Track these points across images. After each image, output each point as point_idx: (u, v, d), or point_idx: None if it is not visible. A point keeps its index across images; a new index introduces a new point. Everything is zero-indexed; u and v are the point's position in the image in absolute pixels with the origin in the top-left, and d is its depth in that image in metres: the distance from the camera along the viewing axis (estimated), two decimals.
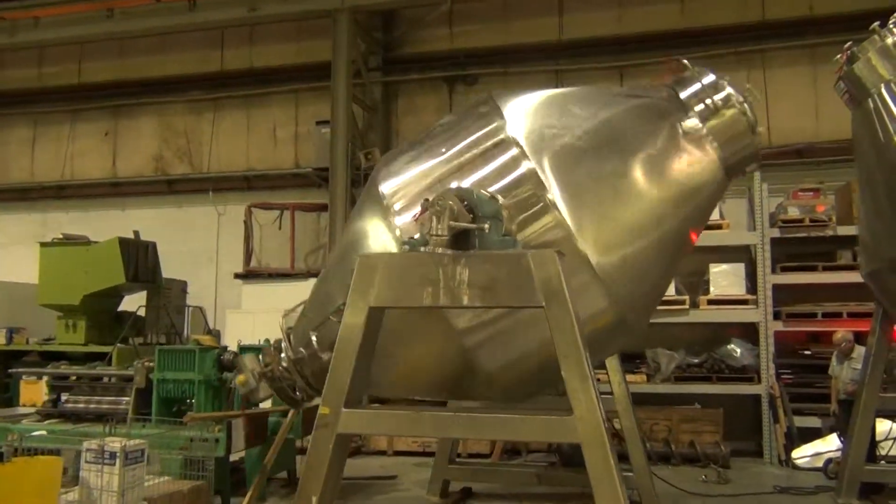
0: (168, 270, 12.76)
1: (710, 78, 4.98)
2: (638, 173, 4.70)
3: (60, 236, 12.44)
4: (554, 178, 4.57)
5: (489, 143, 4.77)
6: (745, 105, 4.92)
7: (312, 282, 11.93)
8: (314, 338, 5.18)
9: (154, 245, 12.20)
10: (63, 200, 14.98)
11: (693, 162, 4.85)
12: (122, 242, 11.63)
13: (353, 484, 8.53)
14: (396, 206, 4.82)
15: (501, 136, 4.72)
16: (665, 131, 4.81)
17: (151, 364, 7.08)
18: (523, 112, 4.85)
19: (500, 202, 4.56)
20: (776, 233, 10.41)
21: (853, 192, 10.56)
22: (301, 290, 11.82)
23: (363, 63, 12.86)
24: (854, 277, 10.26)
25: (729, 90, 4.94)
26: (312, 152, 13.13)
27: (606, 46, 12.47)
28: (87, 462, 5.25)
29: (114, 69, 14.83)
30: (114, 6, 12.85)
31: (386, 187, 5.01)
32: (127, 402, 7.34)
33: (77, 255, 11.71)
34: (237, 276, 12.52)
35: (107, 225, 13.36)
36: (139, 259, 12.04)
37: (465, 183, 4.67)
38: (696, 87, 4.92)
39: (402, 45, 13.56)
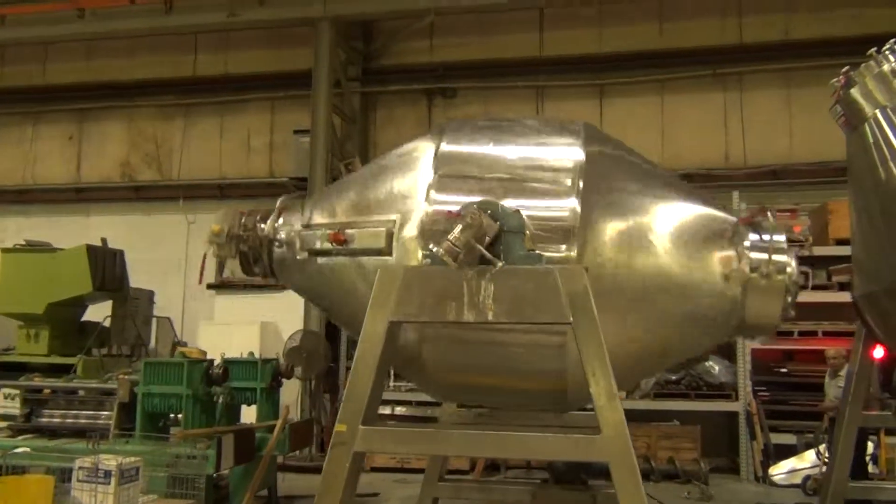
0: (134, 280, 12.37)
1: (781, 238, 4.90)
2: (667, 281, 4.49)
3: (23, 242, 11.96)
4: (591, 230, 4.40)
5: (556, 177, 4.51)
6: (794, 285, 4.85)
7: (287, 294, 11.82)
8: (300, 231, 4.85)
9: (122, 253, 11.80)
10: (24, 205, 14.44)
11: (717, 305, 4.70)
12: (90, 250, 11.21)
13: None
14: (442, 175, 4.54)
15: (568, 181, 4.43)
16: (712, 261, 4.64)
17: (136, 377, 6.80)
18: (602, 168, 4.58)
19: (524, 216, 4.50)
20: None
21: (828, 213, 10.84)
22: (277, 303, 11.76)
23: (342, 73, 12.72)
24: (828, 297, 10.55)
25: (791, 262, 4.84)
26: (288, 161, 12.92)
27: (586, 64, 12.57)
28: (79, 481, 5.00)
29: (80, 71, 14.39)
30: (85, 6, 12.45)
31: (443, 147, 4.67)
32: (106, 416, 7.03)
33: (41, 263, 11.24)
34: (210, 286, 12.19)
35: (70, 231, 12.94)
36: (106, 267, 11.63)
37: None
38: (766, 238, 4.82)
39: (382, 56, 13.47)
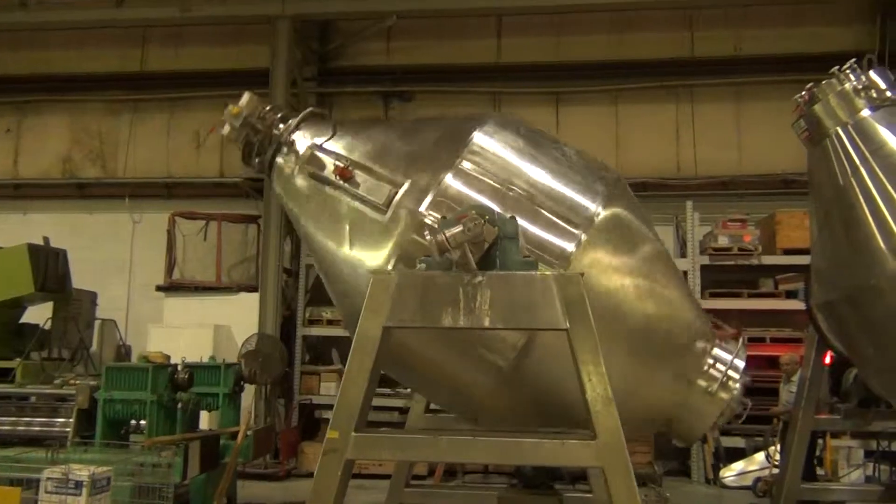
0: (76, 281, 11.92)
1: (741, 363, 4.99)
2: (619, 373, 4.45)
3: None
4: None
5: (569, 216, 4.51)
6: (730, 409, 4.93)
7: (241, 296, 11.61)
8: (313, 148, 4.75)
9: (65, 253, 11.36)
10: None
11: (660, 401, 4.79)
12: (32, 249, 10.75)
13: None
14: (464, 165, 4.48)
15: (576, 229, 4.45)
16: (673, 363, 4.73)
17: (93, 382, 6.53)
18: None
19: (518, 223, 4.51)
20: (706, 260, 10.89)
21: (776, 223, 11.22)
22: (230, 305, 11.49)
23: (298, 72, 12.53)
24: (776, 304, 10.93)
25: (738, 387, 4.91)
26: (240, 161, 12.60)
27: (543, 72, 12.71)
28: (47, 492, 4.76)
29: (20, 62, 13.76)
30: None
31: (478, 139, 4.59)
32: (62, 423, 6.72)
33: None
34: (159, 288, 11.82)
35: (6, 229, 12.35)
36: (48, 267, 11.17)
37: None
38: (728, 358, 4.90)
39: (338, 57, 13.32)
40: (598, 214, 4.55)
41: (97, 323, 12.53)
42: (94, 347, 12.48)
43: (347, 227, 4.61)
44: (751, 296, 10.86)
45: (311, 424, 11.04)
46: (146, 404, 6.29)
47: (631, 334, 4.60)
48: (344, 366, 11.74)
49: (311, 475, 10.26)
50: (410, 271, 4.45)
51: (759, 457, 9.86)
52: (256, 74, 12.71)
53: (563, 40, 12.76)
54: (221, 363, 7.47)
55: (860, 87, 6.55)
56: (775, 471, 9.28)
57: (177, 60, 13.53)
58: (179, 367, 6.65)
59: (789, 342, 10.52)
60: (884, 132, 6.35)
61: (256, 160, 5.10)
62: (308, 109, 5.14)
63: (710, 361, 4.95)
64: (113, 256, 12.99)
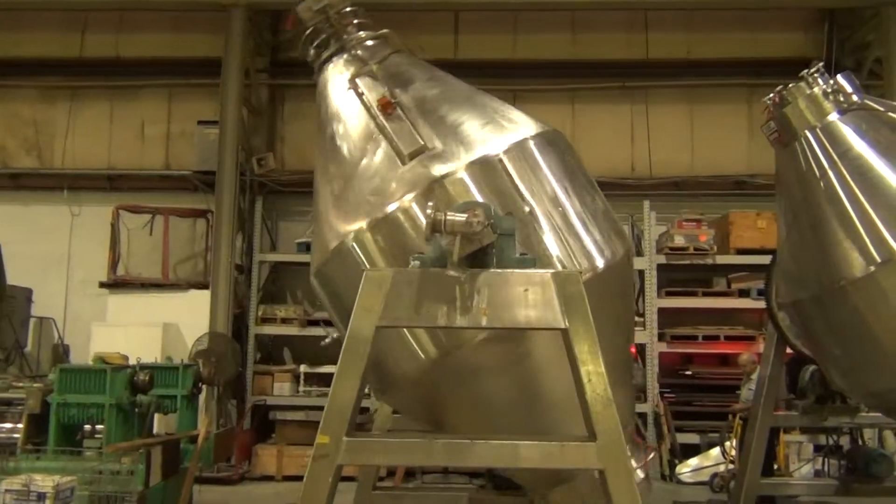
0: (10, 276, 11.32)
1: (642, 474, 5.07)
2: None
3: None
4: None
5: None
6: None
7: (191, 293, 11.18)
8: (370, 63, 4.77)
9: None
10: None
11: None
12: None
13: None
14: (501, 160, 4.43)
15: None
16: None
17: (48, 386, 6.13)
18: None
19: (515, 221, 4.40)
20: (662, 259, 11.03)
21: (729, 224, 11.44)
22: (176, 303, 11.04)
23: (251, 63, 12.14)
24: (729, 303, 11.15)
25: None
26: (189, 154, 12.17)
27: (500, 69, 12.64)
28: None
29: None
30: None
31: (530, 144, 4.59)
32: (9, 429, 6.30)
33: None
34: (103, 285, 11.27)
35: None
36: None
37: None
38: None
39: (291, 48, 12.92)
40: (589, 271, 4.42)
41: (32, 321, 11.92)
42: (30, 347, 11.86)
43: (363, 146, 4.53)
44: (705, 294, 11.05)
45: (264, 426, 10.71)
46: (104, 408, 5.92)
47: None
48: (297, 365, 11.46)
49: (265, 478, 9.97)
50: (405, 269, 4.28)
51: (714, 452, 10.04)
52: (205, 64, 12.32)
53: (521, 38, 12.73)
54: (180, 364, 7.13)
55: (829, 91, 6.67)
56: (731, 466, 9.48)
57: (117, 47, 12.93)
58: (138, 369, 6.30)
59: (742, 340, 10.76)
60: (851, 136, 6.47)
61: (312, 51, 5.08)
62: (385, 31, 5.05)
63: None
64: (50, 251, 12.33)
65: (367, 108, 4.62)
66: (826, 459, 9.52)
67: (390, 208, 4.41)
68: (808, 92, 6.80)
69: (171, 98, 12.84)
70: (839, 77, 6.88)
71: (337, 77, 4.98)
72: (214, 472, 9.62)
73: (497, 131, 4.65)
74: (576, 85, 12.52)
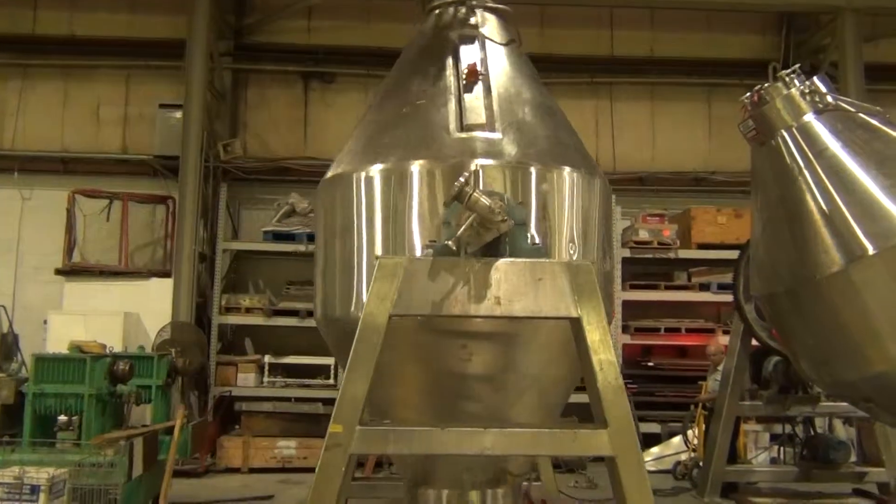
0: None
1: None
2: None
3: None
4: None
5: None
6: None
7: (153, 282, 10.86)
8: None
9: None
10: None
11: None
12: None
13: None
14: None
15: None
16: None
17: (22, 376, 5.87)
18: None
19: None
20: (627, 252, 11.23)
21: (690, 219, 11.72)
22: (137, 291, 10.73)
23: (214, 46, 11.84)
24: (690, 296, 11.43)
25: None
26: (149, 137, 11.80)
27: None
28: None
29: None
30: None
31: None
32: None
33: None
34: (59, 271, 10.84)
35: None
36: None
37: None
38: None
39: (256, 32, 12.70)
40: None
41: None
42: None
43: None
44: (667, 288, 11.31)
45: (227, 418, 10.50)
46: (83, 398, 5.71)
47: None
48: (261, 356, 11.26)
49: (230, 470, 9.78)
50: (418, 258, 4.27)
51: (676, 441, 10.29)
52: (165, 45, 12.00)
53: None
54: (154, 353, 6.93)
55: (805, 91, 6.90)
56: (693, 454, 9.75)
57: (71, 25, 12.45)
58: (120, 357, 6.10)
59: (702, 332, 11.06)
60: (826, 136, 6.68)
61: None
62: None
63: None
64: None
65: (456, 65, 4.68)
66: (782, 448, 9.91)
67: (414, 165, 4.37)
68: (786, 92, 7.01)
69: (129, 80, 12.43)
70: (815, 78, 7.09)
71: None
72: (179, 464, 9.39)
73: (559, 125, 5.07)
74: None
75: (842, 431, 10.66)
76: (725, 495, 8.35)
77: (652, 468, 10.22)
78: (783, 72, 7.24)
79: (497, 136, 4.50)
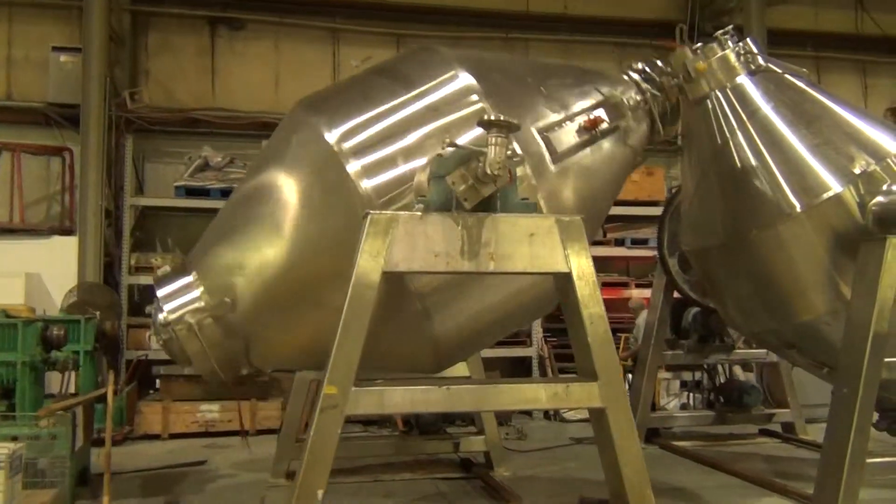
0: None
1: None
2: None
3: None
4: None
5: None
6: None
7: (54, 240, 10.06)
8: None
9: None
10: None
11: None
12: None
13: (165, 475, 7.42)
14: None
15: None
16: None
17: None
18: None
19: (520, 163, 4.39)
20: None
21: None
22: (36, 250, 9.91)
23: None
24: (604, 251, 11.77)
25: None
26: (41, 83, 10.80)
27: (384, 11, 12.32)
28: None
29: None
30: None
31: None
32: None
33: None
34: None
35: None
36: None
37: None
38: None
39: None
40: None
41: None
42: None
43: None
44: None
45: (143, 383, 9.96)
46: (16, 367, 5.23)
47: None
48: None
49: (149, 437, 9.33)
50: (411, 213, 4.15)
51: None
52: None
53: None
54: (81, 317, 6.44)
55: (740, 53, 7.17)
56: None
57: None
58: (52, 321, 5.60)
59: (617, 286, 11.48)
60: (758, 97, 7.01)
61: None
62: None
63: None
64: None
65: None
66: (690, 394, 10.52)
67: None
68: (720, 53, 7.26)
69: (12, 19, 11.27)
70: (748, 40, 7.40)
71: None
72: (96, 434, 8.88)
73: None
74: (458, 33, 12.46)
75: (741, 377, 11.42)
76: (648, 441, 8.77)
77: (573, 418, 10.61)
78: (718, 32, 7.48)
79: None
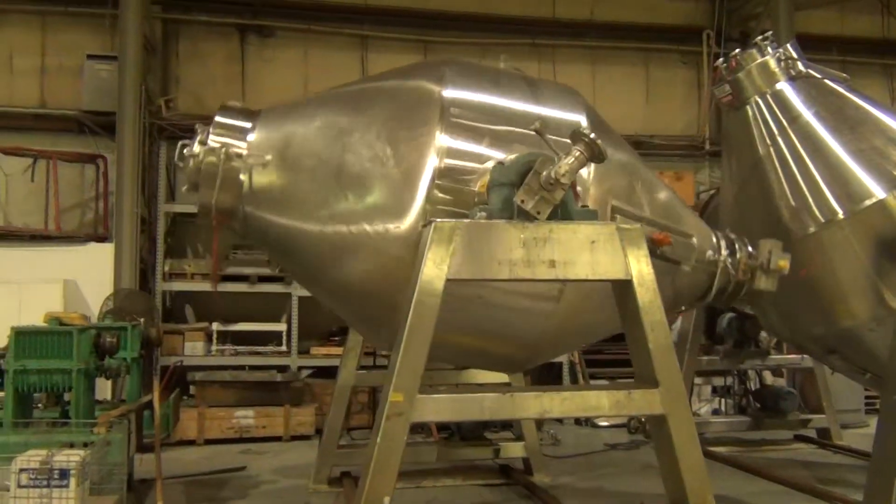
0: None
1: None
2: None
3: None
4: None
5: None
6: None
7: (90, 247, 10.16)
8: None
9: None
10: None
11: None
12: None
13: (206, 481, 7.46)
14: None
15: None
16: None
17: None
18: None
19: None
20: None
21: None
22: (73, 257, 10.00)
23: None
24: None
25: None
26: (70, 90, 10.92)
27: (411, 18, 12.38)
28: (20, 486, 3.89)
29: None
30: None
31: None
32: None
33: None
34: None
35: None
36: None
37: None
38: None
39: None
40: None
41: None
42: None
43: None
44: None
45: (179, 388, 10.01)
46: (71, 374, 5.29)
47: None
48: (209, 323, 10.81)
49: (184, 443, 9.37)
50: (472, 221, 4.17)
51: None
52: None
53: None
54: (128, 324, 6.50)
55: (781, 58, 7.16)
56: None
57: None
58: (105, 329, 5.66)
59: None
60: (799, 103, 7.00)
61: None
62: None
63: None
64: None
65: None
66: (724, 400, 10.48)
67: None
68: (760, 60, 7.27)
69: (45, 27, 11.41)
70: (788, 45, 7.40)
71: None
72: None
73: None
74: (486, 40, 12.49)
75: (772, 382, 11.38)
76: None
77: (605, 423, 10.61)
78: (758, 38, 7.48)
79: None
